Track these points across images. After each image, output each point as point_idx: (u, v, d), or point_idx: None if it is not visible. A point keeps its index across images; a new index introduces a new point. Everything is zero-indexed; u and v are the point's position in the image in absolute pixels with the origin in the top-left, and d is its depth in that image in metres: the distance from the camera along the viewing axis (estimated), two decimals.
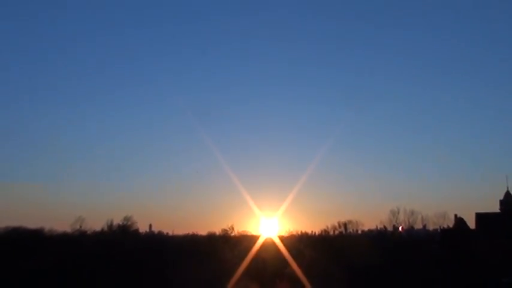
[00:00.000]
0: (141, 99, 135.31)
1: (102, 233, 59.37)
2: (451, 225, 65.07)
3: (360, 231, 71.46)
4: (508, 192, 63.19)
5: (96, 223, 67.66)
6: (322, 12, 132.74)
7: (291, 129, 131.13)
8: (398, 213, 64.81)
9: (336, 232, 68.48)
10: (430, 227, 70.68)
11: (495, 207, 63.83)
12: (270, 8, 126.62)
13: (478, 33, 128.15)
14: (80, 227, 59.36)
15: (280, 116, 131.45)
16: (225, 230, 61.58)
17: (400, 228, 65.81)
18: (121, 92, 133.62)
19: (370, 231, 74.09)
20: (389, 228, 66.55)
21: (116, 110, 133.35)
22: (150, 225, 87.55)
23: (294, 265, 46.79)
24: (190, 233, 74.40)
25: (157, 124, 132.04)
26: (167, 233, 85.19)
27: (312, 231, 74.97)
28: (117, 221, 61.71)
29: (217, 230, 66.36)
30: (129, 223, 60.52)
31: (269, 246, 53.26)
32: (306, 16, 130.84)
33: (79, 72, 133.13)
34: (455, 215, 64.81)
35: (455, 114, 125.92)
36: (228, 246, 52.49)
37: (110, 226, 59.81)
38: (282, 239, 56.39)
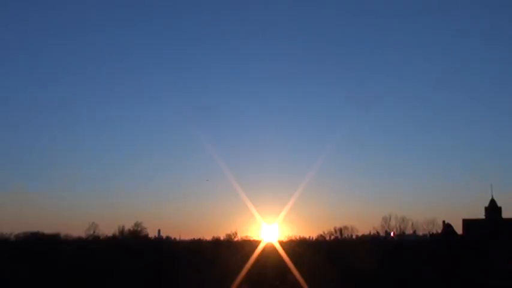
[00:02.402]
0: (148, 109, 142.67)
1: (114, 238, 62.17)
2: (439, 231, 67.60)
3: (354, 237, 73.35)
4: (492, 200, 65.91)
5: (108, 229, 71.61)
6: (326, 11, 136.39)
7: (290, 142, 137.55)
8: (390, 219, 67.18)
9: (332, 237, 71.04)
10: (420, 233, 72.67)
11: (481, 214, 66.56)
12: (273, 6, 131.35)
13: (474, 40, 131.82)
14: (94, 232, 61.98)
15: (278, 131, 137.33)
16: (229, 235, 64.88)
17: (391, 234, 68.08)
18: (132, 102, 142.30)
19: (364, 236, 75.57)
20: (382, 233, 69.18)
21: (125, 122, 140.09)
22: (159, 231, 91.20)
23: (293, 269, 49.20)
24: (196, 238, 78.44)
25: (163, 135, 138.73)
26: (175, 238, 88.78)
27: (309, 236, 77.66)
28: (128, 226, 65.09)
29: (221, 235, 69.68)
30: (139, 229, 63.54)
31: (270, 251, 55.77)
32: (310, 14, 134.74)
33: (92, 80, 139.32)
34: (444, 221, 67.70)
35: (443, 128, 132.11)
36: (231, 251, 54.78)
37: (122, 231, 62.68)
38: (281, 243, 59.00)
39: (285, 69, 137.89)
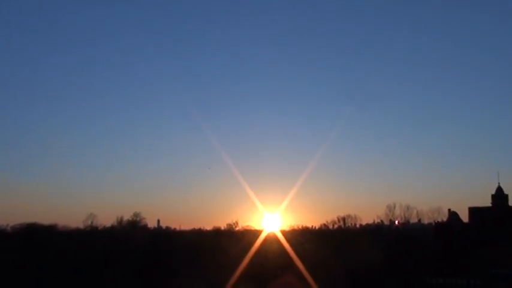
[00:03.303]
0: (147, 98, 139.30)
1: (112, 228, 61.42)
2: (445, 219, 67.23)
3: (358, 226, 73.04)
4: (499, 187, 65.00)
5: (106, 219, 70.90)
6: (323, 12, 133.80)
7: (292, 129, 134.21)
8: (394, 208, 66.74)
9: (335, 226, 70.38)
10: (425, 221, 72.68)
11: (487, 202, 65.65)
12: (272, 9, 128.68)
13: (476, 34, 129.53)
14: (92, 223, 61.91)
15: (281, 118, 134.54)
16: (230, 224, 64.10)
17: (396, 223, 67.79)
18: (130, 90, 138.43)
19: (367, 225, 75.56)
20: (386, 222, 69.02)
21: (123, 111, 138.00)
22: (158, 221, 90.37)
23: (295, 259, 48.43)
24: (197, 228, 77.05)
25: (163, 124, 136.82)
26: (174, 228, 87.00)
27: (312, 226, 76.76)
28: (127, 217, 63.84)
29: (222, 225, 68.77)
30: (138, 219, 62.47)
31: (272, 240, 54.95)
32: (308, 16, 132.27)
33: (84, 71, 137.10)
34: (449, 210, 67.24)
35: (450, 114, 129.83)
36: (232, 241, 53.94)
37: (120, 222, 61.68)
38: (284, 233, 57.93)
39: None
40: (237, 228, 64.00)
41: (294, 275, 46.92)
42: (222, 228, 66.32)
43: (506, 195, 64.72)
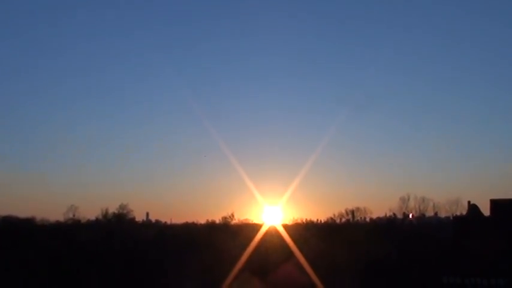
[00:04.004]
0: (133, 80, 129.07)
1: (96, 222, 58.68)
2: (464, 213, 63.35)
3: (368, 219, 70.42)
4: None
5: (90, 212, 67.72)
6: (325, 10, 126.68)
7: (296, 110, 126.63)
8: (408, 200, 64.43)
9: (343, 220, 67.66)
10: (442, 215, 69.74)
11: (510, 194, 64.40)
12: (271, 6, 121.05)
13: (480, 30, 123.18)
14: (73, 215, 59.22)
15: (284, 99, 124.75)
16: (225, 218, 60.39)
17: (410, 216, 65.01)
18: (111, 74, 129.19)
19: (378, 219, 72.74)
20: (399, 216, 65.95)
21: (107, 94, 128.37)
22: (147, 214, 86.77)
23: (299, 255, 45.42)
24: (190, 221, 73.40)
25: (152, 107, 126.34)
26: (165, 222, 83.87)
27: (317, 219, 73.93)
28: (113, 209, 60.72)
29: (217, 218, 65.38)
30: (125, 211, 59.60)
31: (272, 235, 52.03)
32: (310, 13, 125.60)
33: (75, 61, 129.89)
34: (469, 202, 62.59)
35: (469, 99, 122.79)
36: (228, 236, 50.75)
37: (105, 215, 58.82)
38: (286, 227, 55.18)
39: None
40: (233, 222, 60.39)
41: (294, 265, 44.37)
42: (217, 221, 63.10)
43: None
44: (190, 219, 76.14)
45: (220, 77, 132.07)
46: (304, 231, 55.70)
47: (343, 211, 68.82)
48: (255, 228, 53.99)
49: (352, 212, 67.49)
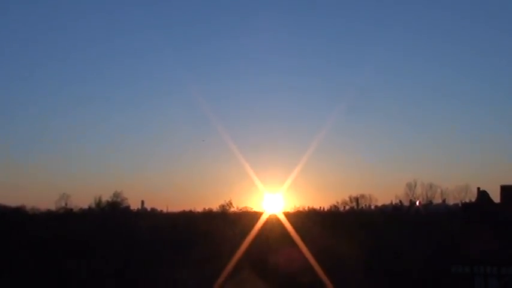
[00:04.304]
0: (126, 58, 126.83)
1: (89, 211, 57.37)
2: (473, 200, 63.09)
3: (373, 207, 69.68)
4: None
5: (82, 200, 66.40)
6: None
7: (297, 95, 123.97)
8: (415, 186, 63.79)
9: (347, 208, 66.45)
10: (450, 202, 68.87)
11: None
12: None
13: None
14: (65, 204, 58.13)
15: (285, 80, 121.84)
16: (223, 205, 58.42)
17: (417, 203, 63.96)
18: (107, 61, 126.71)
19: (384, 206, 71.71)
20: (406, 203, 64.83)
21: (99, 75, 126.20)
22: (143, 202, 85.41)
23: (301, 244, 43.59)
24: (187, 210, 71.67)
25: (146, 88, 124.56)
26: (161, 210, 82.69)
27: (320, 207, 72.83)
28: (106, 197, 59.77)
29: (214, 206, 63.56)
30: (119, 200, 58.63)
31: (273, 223, 50.59)
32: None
33: (66, 46, 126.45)
34: (478, 188, 63.20)
35: (477, 81, 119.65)
36: (227, 224, 49.28)
37: (98, 203, 57.65)
38: (287, 215, 53.68)
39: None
40: (231, 210, 58.37)
41: (295, 249, 42.89)
42: (214, 209, 61.13)
43: None
44: (187, 207, 74.73)
45: (220, 60, 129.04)
46: (306, 220, 54.31)
47: (347, 198, 67.92)
48: (255, 216, 52.46)
49: (357, 199, 66.52)
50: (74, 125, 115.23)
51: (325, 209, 71.55)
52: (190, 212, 67.89)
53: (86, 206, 60.46)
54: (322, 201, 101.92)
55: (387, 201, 75.67)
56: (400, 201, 66.49)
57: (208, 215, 59.69)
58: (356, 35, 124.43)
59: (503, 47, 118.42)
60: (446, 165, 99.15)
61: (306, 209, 66.34)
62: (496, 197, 60.93)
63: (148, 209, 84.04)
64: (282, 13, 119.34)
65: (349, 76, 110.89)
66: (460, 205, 65.60)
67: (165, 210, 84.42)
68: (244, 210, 60.50)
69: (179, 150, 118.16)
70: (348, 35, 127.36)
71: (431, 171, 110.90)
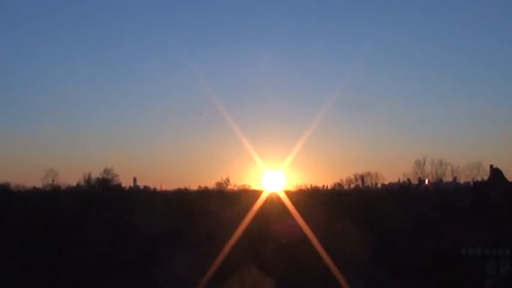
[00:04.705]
0: (117, 25, 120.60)
1: (78, 188, 56.07)
2: (485, 178, 61.95)
3: (379, 185, 69.09)
4: None
5: (71, 177, 64.48)
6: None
7: (300, 66, 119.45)
8: (424, 164, 62.82)
9: (352, 186, 66.66)
10: (462, 180, 68.33)
11: None
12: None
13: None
14: (53, 181, 56.38)
15: (285, 48, 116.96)
16: (220, 183, 56.87)
17: (426, 182, 62.90)
18: (103, 34, 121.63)
19: (391, 184, 70.25)
20: (414, 181, 63.81)
21: (90, 44, 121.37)
22: (135, 179, 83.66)
23: (303, 225, 41.86)
24: (182, 187, 69.66)
25: (139, 60, 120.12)
26: (154, 188, 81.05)
27: (323, 185, 71.38)
28: (96, 174, 58.53)
29: (211, 184, 62.21)
30: (109, 177, 57.27)
31: (274, 202, 49.22)
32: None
33: (63, 17, 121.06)
34: (491, 166, 61.56)
35: (488, 54, 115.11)
36: (223, 203, 47.37)
37: (88, 180, 56.23)
38: (288, 194, 51.97)
39: None
40: (228, 187, 56.87)
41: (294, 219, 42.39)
42: (210, 187, 59.60)
43: None
44: (182, 185, 72.92)
45: (217, 31, 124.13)
46: (308, 198, 53.38)
47: (352, 176, 68.14)
48: (254, 194, 51.08)
49: (362, 177, 66.76)
50: (63, 97, 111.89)
51: (329, 187, 70.81)
52: (185, 189, 66.15)
53: (74, 183, 59.10)
54: (325, 179, 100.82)
55: (395, 180, 74.44)
56: (408, 180, 65.72)
57: (204, 193, 58.17)
58: None
59: None
60: (457, 141, 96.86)
61: (309, 187, 65.04)
62: (509, 175, 59.45)
63: (141, 187, 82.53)
64: None
65: (357, 46, 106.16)
66: (471, 184, 64.46)
67: (158, 188, 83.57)
68: (242, 188, 59.39)
69: (173, 124, 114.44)
70: None
71: (442, 147, 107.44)
